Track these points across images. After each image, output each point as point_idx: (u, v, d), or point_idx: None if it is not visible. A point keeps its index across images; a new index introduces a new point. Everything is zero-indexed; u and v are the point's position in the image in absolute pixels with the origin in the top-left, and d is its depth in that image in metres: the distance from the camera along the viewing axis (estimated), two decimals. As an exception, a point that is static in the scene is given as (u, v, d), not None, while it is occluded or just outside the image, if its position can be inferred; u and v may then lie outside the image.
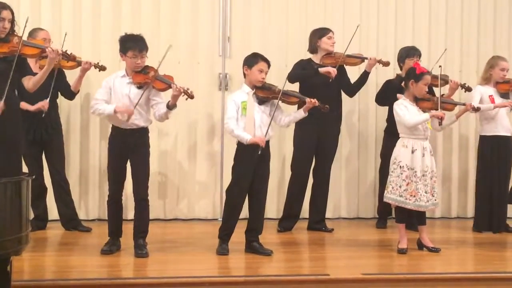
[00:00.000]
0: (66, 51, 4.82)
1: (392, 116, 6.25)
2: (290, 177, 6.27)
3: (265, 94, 5.15)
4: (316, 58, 6.16)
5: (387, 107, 6.38)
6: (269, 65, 5.17)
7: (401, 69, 6.39)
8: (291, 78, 5.94)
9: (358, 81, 6.26)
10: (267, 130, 5.09)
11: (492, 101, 6.20)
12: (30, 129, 5.67)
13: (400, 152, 5.30)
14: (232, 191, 5.17)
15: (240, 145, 5.15)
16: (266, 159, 5.18)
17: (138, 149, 5.06)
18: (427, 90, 5.44)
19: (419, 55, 6.30)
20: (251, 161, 5.06)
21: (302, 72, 6.06)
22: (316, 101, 5.24)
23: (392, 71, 6.64)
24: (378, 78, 6.70)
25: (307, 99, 5.23)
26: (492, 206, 6.24)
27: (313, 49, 6.17)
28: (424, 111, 5.36)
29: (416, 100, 5.38)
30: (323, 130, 6.06)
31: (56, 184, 5.96)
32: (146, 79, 5.01)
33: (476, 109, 5.92)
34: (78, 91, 5.92)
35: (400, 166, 5.26)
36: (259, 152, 5.00)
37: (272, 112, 5.14)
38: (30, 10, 6.29)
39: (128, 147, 5.04)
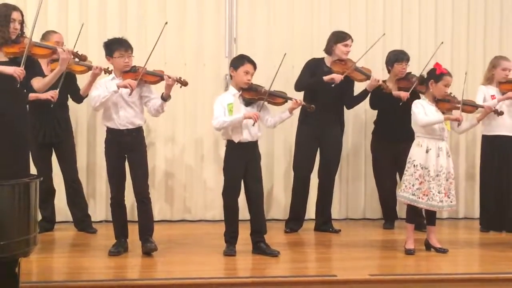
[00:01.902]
0: (77, 51, 4.88)
1: (380, 119, 6.40)
2: (293, 178, 6.28)
3: (251, 95, 5.16)
4: (328, 60, 6.13)
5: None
6: (255, 67, 5.16)
7: (389, 72, 6.34)
8: (297, 86, 5.99)
9: (358, 96, 6.24)
10: (261, 120, 5.11)
11: None
12: (40, 131, 5.70)
13: (415, 151, 5.28)
14: (226, 193, 5.20)
15: (228, 146, 5.19)
16: (256, 159, 5.20)
17: (135, 148, 5.10)
18: (447, 91, 5.36)
19: (408, 59, 6.26)
20: (240, 160, 5.09)
21: (308, 82, 6.02)
22: (302, 101, 5.27)
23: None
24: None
25: (293, 100, 5.24)
26: (502, 206, 6.21)
27: (328, 50, 6.12)
28: (443, 112, 5.32)
29: (436, 101, 5.35)
30: (323, 131, 6.05)
31: (68, 186, 5.99)
32: (137, 76, 5.06)
33: (500, 113, 5.89)
34: (87, 96, 5.94)
35: (414, 165, 5.25)
36: (253, 125, 5.01)
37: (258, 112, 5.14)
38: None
39: (125, 147, 5.07)
